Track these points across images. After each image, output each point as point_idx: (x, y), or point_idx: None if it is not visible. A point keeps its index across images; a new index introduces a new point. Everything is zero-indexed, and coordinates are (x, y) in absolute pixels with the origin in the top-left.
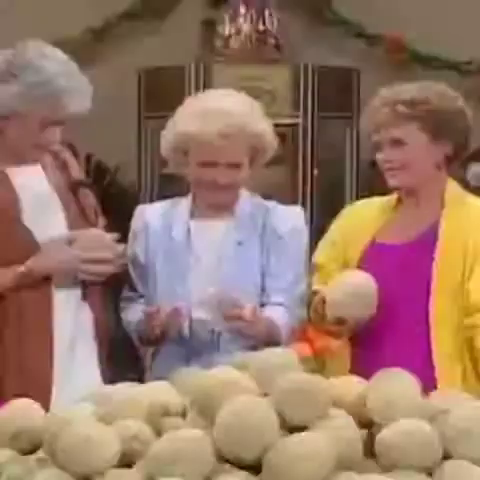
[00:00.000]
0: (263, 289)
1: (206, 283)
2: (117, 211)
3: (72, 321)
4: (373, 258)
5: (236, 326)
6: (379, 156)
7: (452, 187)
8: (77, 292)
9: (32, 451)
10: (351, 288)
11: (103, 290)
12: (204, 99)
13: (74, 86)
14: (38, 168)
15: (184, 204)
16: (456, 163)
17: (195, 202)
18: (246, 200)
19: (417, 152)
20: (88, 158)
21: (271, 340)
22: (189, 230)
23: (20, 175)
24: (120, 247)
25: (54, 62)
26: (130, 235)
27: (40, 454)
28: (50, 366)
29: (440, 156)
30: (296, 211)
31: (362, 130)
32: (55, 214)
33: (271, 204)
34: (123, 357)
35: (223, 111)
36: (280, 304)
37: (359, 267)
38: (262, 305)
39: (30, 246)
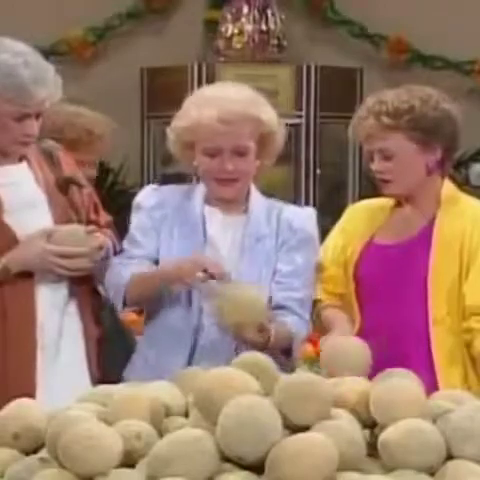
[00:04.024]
0: (277, 282)
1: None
2: (120, 211)
3: (59, 319)
4: (371, 259)
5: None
6: (372, 166)
7: (447, 188)
8: (64, 290)
9: (34, 451)
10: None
11: (93, 288)
12: (204, 90)
13: (37, 75)
14: (23, 166)
15: (198, 190)
16: (449, 164)
17: (207, 193)
18: (259, 197)
19: (406, 162)
20: None
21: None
22: (203, 215)
23: (2, 175)
24: (96, 241)
25: (13, 54)
26: (136, 209)
27: (42, 454)
28: (34, 364)
29: (430, 162)
30: (307, 210)
31: (352, 139)
32: (40, 212)
33: (282, 204)
34: (113, 356)
35: (222, 97)
36: (292, 308)
37: (357, 267)
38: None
39: (12, 245)
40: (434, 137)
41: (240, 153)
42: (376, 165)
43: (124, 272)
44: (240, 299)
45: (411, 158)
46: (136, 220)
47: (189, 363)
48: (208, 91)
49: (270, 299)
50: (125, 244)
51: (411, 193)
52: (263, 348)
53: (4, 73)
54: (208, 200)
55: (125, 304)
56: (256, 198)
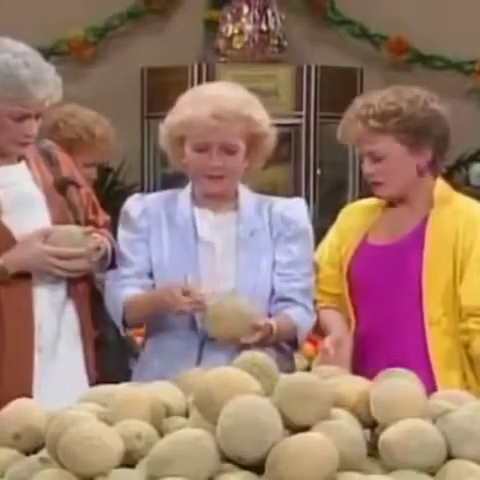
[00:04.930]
0: (278, 274)
1: (218, 274)
2: (119, 211)
3: (56, 319)
4: (364, 259)
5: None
6: (363, 169)
7: (440, 187)
8: (62, 290)
9: (35, 451)
10: None
11: (91, 289)
12: (198, 89)
13: (37, 76)
14: (21, 166)
15: (185, 193)
16: (441, 164)
17: (195, 193)
18: (247, 193)
19: (397, 164)
20: None
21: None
22: (193, 217)
23: (0, 175)
24: (93, 242)
25: (13, 54)
26: (122, 220)
27: (43, 454)
28: (31, 365)
29: (421, 163)
30: (298, 201)
31: (342, 141)
32: (39, 213)
33: (271, 197)
34: (111, 357)
35: (216, 95)
36: (295, 299)
37: (351, 267)
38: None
39: (10, 246)
40: (424, 138)
41: (229, 151)
42: (366, 168)
43: (120, 294)
44: (219, 312)
45: (401, 160)
46: (124, 234)
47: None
48: (202, 89)
49: (273, 292)
50: (117, 262)
51: (403, 194)
52: (267, 342)
53: (4, 73)
54: (196, 201)
55: (126, 325)
56: (245, 194)
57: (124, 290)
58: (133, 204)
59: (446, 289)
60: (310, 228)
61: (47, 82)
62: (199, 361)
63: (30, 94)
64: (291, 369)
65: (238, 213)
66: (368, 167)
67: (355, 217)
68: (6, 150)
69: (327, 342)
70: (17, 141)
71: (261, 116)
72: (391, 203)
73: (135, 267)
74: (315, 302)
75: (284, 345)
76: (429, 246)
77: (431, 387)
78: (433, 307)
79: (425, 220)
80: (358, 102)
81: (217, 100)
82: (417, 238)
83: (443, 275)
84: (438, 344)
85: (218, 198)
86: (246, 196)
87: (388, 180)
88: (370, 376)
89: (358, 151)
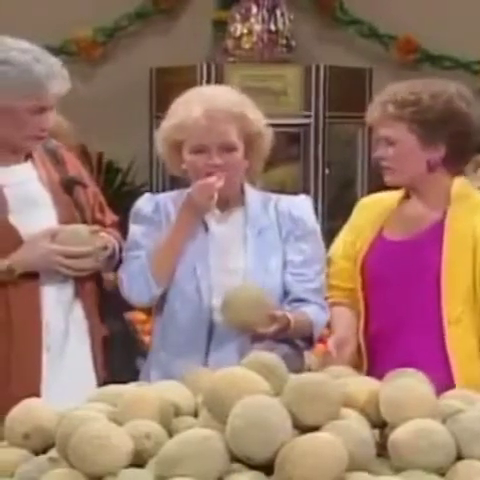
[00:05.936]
0: (291, 274)
1: (227, 268)
2: (129, 211)
3: (64, 318)
4: (379, 253)
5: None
6: (375, 153)
7: (458, 184)
8: (69, 289)
9: (44, 450)
10: None
11: (99, 288)
12: (191, 91)
13: (49, 69)
14: (27, 165)
15: None
16: (460, 162)
17: None
18: (253, 192)
19: (405, 152)
20: (99, 158)
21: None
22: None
23: (7, 175)
24: (100, 241)
25: (20, 51)
26: (134, 217)
27: (52, 454)
28: (39, 364)
29: (433, 159)
30: (304, 199)
31: (367, 122)
32: (45, 212)
33: (276, 195)
34: (118, 357)
35: (210, 96)
36: (310, 299)
37: (365, 261)
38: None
39: (17, 246)
40: (436, 133)
41: (228, 149)
42: (378, 151)
43: (138, 260)
44: (236, 299)
45: (411, 150)
46: (136, 228)
47: (205, 361)
48: (195, 91)
49: (284, 291)
50: (128, 251)
51: (414, 186)
52: (283, 336)
53: (19, 70)
54: None
55: (159, 286)
56: (250, 192)
57: (141, 256)
58: (145, 202)
59: (466, 287)
60: (318, 225)
61: (57, 75)
62: (206, 355)
63: (46, 88)
64: (300, 366)
65: (245, 210)
66: (379, 151)
67: (370, 211)
68: (23, 146)
69: (330, 344)
70: (35, 135)
71: (255, 116)
72: (407, 196)
73: (146, 249)
74: (326, 298)
75: (298, 342)
76: (447, 245)
77: (445, 385)
78: (453, 306)
79: (442, 217)
80: (389, 87)
81: (209, 100)
82: (434, 235)
83: (463, 275)
84: (458, 343)
85: (224, 195)
86: (252, 193)
87: (396, 167)
88: (381, 371)
89: (373, 136)
